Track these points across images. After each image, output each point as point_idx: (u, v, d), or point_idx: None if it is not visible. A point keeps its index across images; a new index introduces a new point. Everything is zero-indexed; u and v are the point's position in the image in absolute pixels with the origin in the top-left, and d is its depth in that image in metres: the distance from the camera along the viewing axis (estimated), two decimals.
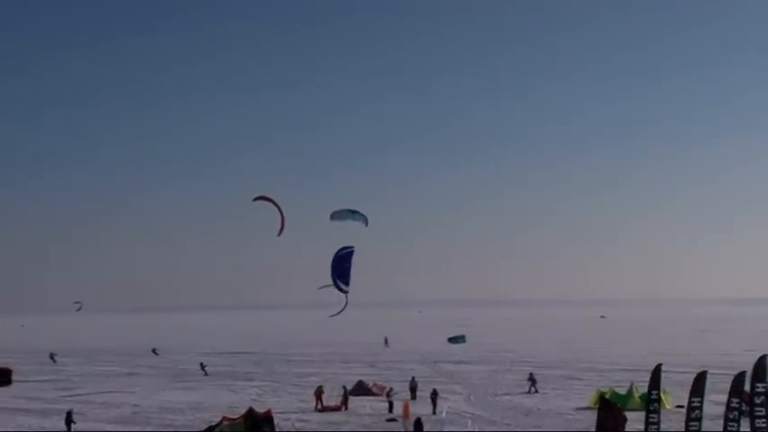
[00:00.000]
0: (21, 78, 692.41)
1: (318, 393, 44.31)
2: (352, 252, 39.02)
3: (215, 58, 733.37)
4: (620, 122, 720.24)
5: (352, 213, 38.73)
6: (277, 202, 40.29)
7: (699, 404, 28.89)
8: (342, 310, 39.42)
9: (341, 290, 39.71)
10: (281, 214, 40.06)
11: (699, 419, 28.96)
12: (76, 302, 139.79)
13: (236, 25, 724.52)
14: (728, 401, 28.83)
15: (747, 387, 29.87)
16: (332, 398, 45.74)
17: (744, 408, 29.56)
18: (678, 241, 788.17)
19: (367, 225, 39.20)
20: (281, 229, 40.22)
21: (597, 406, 33.38)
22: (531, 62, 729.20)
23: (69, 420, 37.73)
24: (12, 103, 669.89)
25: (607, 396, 41.74)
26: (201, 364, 66.78)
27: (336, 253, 38.89)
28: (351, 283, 39.41)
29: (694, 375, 30.16)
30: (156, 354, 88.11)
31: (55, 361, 79.08)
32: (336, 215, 38.59)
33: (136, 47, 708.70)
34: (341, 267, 38.91)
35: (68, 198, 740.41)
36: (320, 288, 40.33)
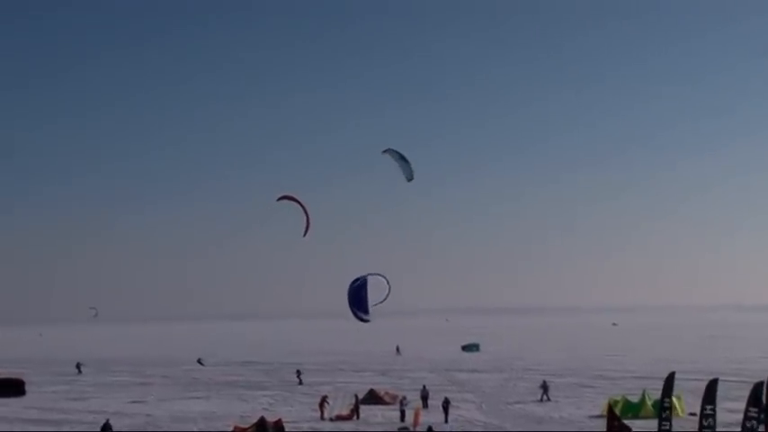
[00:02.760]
0: (29, 84, 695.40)
1: (321, 403, 44.29)
2: (365, 282, 39.15)
3: (224, 65, 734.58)
4: (624, 130, 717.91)
5: (403, 161, 38.64)
6: (302, 201, 40.21)
7: (712, 412, 28.79)
8: (384, 299, 39.53)
9: (361, 319, 39.86)
10: (306, 214, 39.95)
11: (712, 427, 28.84)
12: (92, 308, 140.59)
13: (244, 30, 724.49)
14: (746, 410, 28.64)
15: (764, 395, 29.72)
16: (344, 406, 45.78)
17: (762, 417, 29.37)
18: (686, 248, 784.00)
19: (409, 181, 39.11)
20: (307, 228, 40.14)
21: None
22: (538, 69, 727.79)
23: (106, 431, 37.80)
24: (23, 110, 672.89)
25: (619, 404, 41.70)
26: (298, 371, 64.80)
27: (351, 284, 39.03)
28: (370, 311, 39.56)
29: (706, 383, 30.05)
30: (203, 364, 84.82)
31: (81, 371, 78.35)
32: (390, 152, 38.61)
33: (142, 54, 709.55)
34: (358, 297, 39.07)
35: (79, 206, 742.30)
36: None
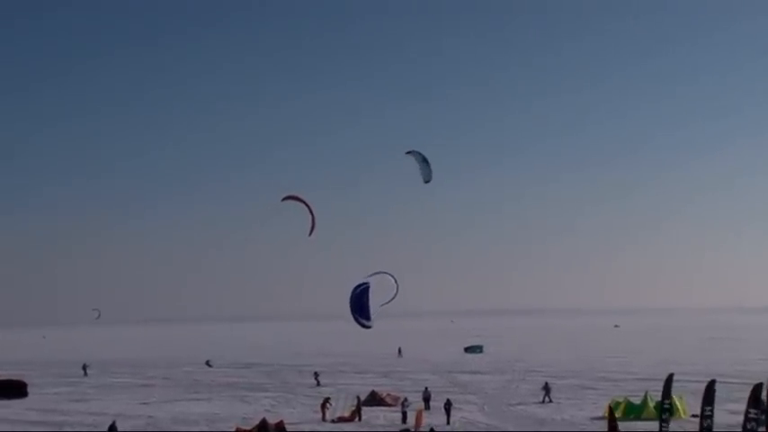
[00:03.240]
0: (29, 86, 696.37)
1: (323, 405, 44.29)
2: (367, 288, 39.16)
3: (225, 66, 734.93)
4: (629, 131, 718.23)
5: (425, 163, 38.84)
6: (307, 201, 40.15)
7: (710, 413, 28.89)
8: (392, 299, 39.53)
9: (363, 325, 39.87)
10: (312, 213, 39.92)
11: (710, 428, 28.93)
12: (94, 309, 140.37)
13: (244, 31, 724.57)
14: (747, 412, 28.73)
15: (764, 397, 29.75)
16: (345, 408, 45.79)
17: (762, 418, 29.42)
18: (688, 249, 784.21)
19: (425, 182, 39.26)
20: (312, 228, 40.11)
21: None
22: (541, 69, 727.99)
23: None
24: (23, 112, 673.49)
25: (621, 406, 41.75)
26: (316, 373, 64.47)
27: (353, 290, 39.06)
28: (372, 317, 39.61)
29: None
30: (211, 366, 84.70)
31: (86, 373, 78.09)
32: (414, 153, 38.82)
33: (143, 54, 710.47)
34: (359, 303, 39.12)
35: (80, 208, 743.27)
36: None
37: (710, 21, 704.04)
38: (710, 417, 28.95)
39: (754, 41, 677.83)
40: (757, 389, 28.73)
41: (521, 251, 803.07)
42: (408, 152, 39.21)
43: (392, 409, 45.77)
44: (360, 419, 42.97)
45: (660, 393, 33.02)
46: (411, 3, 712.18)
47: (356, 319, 40.46)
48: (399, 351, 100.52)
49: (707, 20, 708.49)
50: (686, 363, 75.66)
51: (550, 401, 48.40)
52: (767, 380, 29.59)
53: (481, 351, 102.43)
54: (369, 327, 41.01)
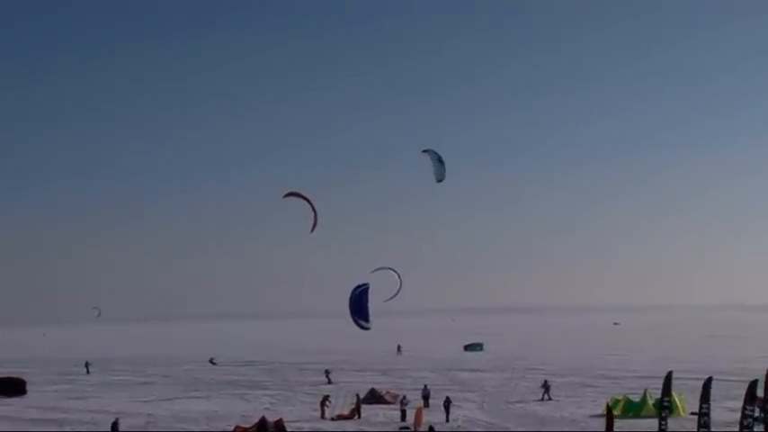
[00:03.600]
0: (29, 85, 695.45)
1: (322, 402, 44.31)
2: (367, 289, 39.17)
3: (225, 64, 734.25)
4: (629, 129, 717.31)
5: (439, 162, 38.95)
6: (309, 197, 40.13)
7: (707, 410, 28.98)
8: (396, 294, 39.53)
9: (361, 327, 39.90)
10: (314, 210, 39.91)
11: (708, 425, 29.02)
12: (95, 307, 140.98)
13: (245, 29, 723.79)
14: (743, 408, 28.85)
15: (760, 393, 29.83)
16: (345, 406, 45.79)
17: (758, 415, 29.55)
18: (688, 247, 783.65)
19: (437, 181, 39.33)
20: (314, 225, 40.10)
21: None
22: (538, 69, 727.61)
23: (115, 430, 37.86)
24: (22, 111, 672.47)
25: (621, 404, 41.78)
26: (326, 371, 64.07)
27: (353, 291, 39.08)
28: (371, 319, 39.66)
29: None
30: (215, 363, 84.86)
31: (89, 371, 78.04)
32: (429, 152, 38.92)
33: (142, 53, 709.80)
34: (359, 304, 39.13)
35: (80, 206, 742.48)
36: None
37: (709, 20, 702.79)
38: (708, 414, 29.04)
39: (753, 40, 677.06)
40: (753, 386, 28.83)
41: (521, 249, 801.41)
42: (425, 150, 39.33)
43: (391, 406, 45.77)
44: (359, 417, 42.98)
45: (660, 391, 33.06)
46: (411, 2, 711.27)
47: (355, 321, 40.50)
48: (399, 349, 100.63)
49: (706, 19, 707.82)
50: (686, 360, 75.70)
51: (550, 399, 48.42)
52: (763, 377, 29.72)
53: (481, 349, 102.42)
54: (367, 328, 41.05)
